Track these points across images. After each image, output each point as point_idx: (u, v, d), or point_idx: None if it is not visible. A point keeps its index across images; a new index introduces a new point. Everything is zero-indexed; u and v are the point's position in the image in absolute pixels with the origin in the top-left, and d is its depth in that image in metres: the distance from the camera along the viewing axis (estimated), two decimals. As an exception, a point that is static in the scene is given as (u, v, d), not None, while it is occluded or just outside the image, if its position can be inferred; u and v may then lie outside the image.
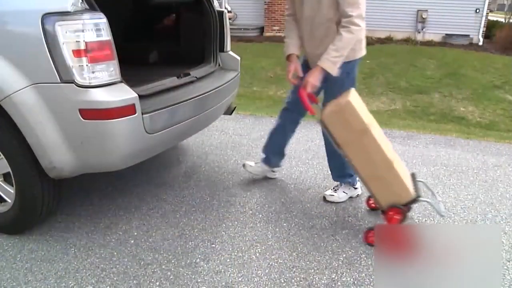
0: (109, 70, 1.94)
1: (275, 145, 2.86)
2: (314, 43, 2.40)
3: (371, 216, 2.58)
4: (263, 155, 2.94)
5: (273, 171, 3.01)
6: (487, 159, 3.57)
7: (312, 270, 2.09)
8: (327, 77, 2.37)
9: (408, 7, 10.68)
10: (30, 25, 1.86)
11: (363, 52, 2.45)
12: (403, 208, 2.22)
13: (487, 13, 10.53)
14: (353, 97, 2.25)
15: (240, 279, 2.02)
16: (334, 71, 2.28)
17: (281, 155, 2.92)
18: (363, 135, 2.19)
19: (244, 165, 2.99)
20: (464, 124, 5.55)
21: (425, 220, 2.56)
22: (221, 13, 2.98)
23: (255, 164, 2.97)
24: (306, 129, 3.99)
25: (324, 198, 2.73)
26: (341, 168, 2.67)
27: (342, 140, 2.26)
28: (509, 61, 8.42)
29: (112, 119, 1.93)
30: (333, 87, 2.43)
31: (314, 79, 2.32)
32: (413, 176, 2.45)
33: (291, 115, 2.72)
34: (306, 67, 2.52)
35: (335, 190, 2.75)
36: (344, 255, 2.21)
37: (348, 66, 2.39)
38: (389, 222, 2.23)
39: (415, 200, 2.24)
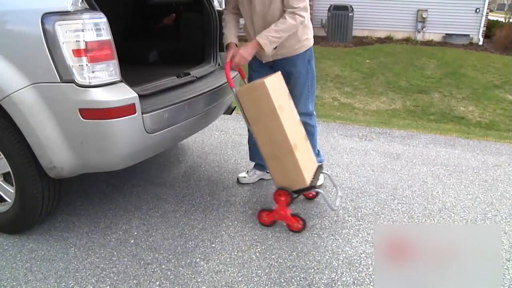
0: (109, 69, 1.94)
1: (258, 151, 2.86)
2: None
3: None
4: (253, 163, 2.99)
5: (268, 172, 3.01)
6: (487, 158, 3.57)
7: (312, 270, 2.10)
8: (291, 70, 2.51)
9: (408, 7, 10.67)
10: (30, 25, 1.85)
11: (312, 40, 2.60)
12: (292, 193, 2.35)
13: (487, 13, 10.52)
14: (272, 79, 2.35)
15: (240, 279, 2.02)
16: (268, 49, 2.35)
17: None
18: (271, 117, 2.27)
19: (238, 179, 2.98)
20: (464, 123, 5.56)
21: (425, 220, 2.56)
22: (221, 13, 2.98)
23: (247, 174, 2.98)
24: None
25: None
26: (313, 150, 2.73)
27: (252, 117, 2.35)
28: (509, 61, 8.42)
29: (112, 118, 1.93)
30: (299, 77, 2.54)
31: (245, 52, 2.38)
32: (319, 167, 2.59)
33: None
34: (259, 63, 2.64)
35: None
36: (344, 255, 2.21)
37: (307, 54, 2.54)
38: (276, 201, 2.38)
39: (308, 189, 2.36)
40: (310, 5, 11.17)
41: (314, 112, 2.77)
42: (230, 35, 2.59)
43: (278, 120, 2.26)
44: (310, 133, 2.74)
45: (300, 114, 2.62)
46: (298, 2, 2.29)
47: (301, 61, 2.54)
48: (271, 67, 2.62)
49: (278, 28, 2.30)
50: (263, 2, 2.36)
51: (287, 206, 2.37)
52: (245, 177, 2.96)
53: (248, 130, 2.83)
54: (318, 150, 2.89)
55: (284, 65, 2.56)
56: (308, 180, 2.35)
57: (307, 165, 2.41)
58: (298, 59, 2.52)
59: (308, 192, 2.63)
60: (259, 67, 2.63)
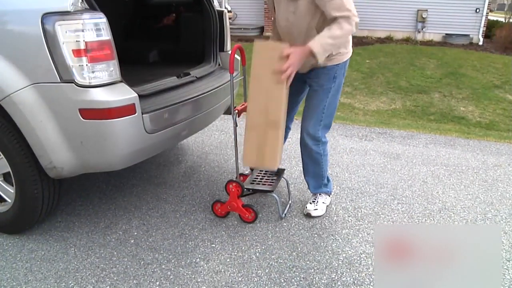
0: (109, 69, 1.94)
1: None
2: None
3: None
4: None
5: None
6: (487, 158, 3.57)
7: (312, 270, 2.10)
8: (312, 83, 2.32)
9: (408, 7, 10.67)
10: (30, 25, 1.85)
11: (349, 54, 2.32)
12: (243, 185, 2.42)
13: (487, 13, 10.52)
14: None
15: (240, 279, 2.02)
16: (322, 58, 2.05)
17: None
18: (278, 83, 2.09)
19: None
20: (464, 123, 5.55)
21: (425, 220, 2.56)
22: (221, 13, 2.98)
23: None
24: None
25: (309, 214, 2.55)
26: (318, 178, 2.57)
27: (256, 75, 2.14)
28: (509, 61, 8.42)
29: (112, 119, 1.93)
30: (318, 91, 2.32)
31: (296, 57, 2.05)
32: (281, 171, 2.68)
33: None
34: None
35: (316, 203, 2.59)
36: (344, 255, 2.21)
37: (336, 69, 2.27)
38: (228, 193, 2.45)
39: (263, 191, 2.48)
40: (310, 5, 11.20)
41: (326, 140, 2.45)
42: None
43: (282, 87, 2.09)
44: (315, 160, 2.47)
45: (306, 134, 2.40)
46: (342, 11, 1.99)
47: (326, 75, 2.28)
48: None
49: (334, 35, 1.99)
50: (286, 18, 2.16)
51: (238, 197, 2.45)
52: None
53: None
54: (328, 178, 2.63)
55: (310, 76, 2.34)
56: (278, 164, 2.27)
57: (281, 150, 2.31)
58: (323, 72, 2.27)
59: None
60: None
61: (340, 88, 2.38)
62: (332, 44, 2.03)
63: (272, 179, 2.58)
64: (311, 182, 2.60)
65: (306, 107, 2.42)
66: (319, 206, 2.58)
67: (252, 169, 2.81)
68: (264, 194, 2.72)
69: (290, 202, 2.71)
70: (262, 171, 2.72)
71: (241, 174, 2.78)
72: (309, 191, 2.70)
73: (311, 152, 2.45)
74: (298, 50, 2.06)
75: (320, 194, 2.64)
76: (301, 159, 2.54)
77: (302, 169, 2.62)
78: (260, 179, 2.61)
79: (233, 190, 2.44)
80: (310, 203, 2.60)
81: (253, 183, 2.55)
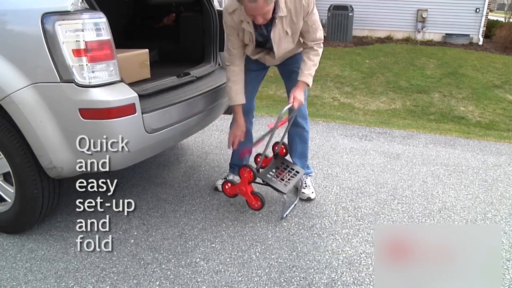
0: (109, 69, 1.94)
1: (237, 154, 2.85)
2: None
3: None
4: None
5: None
6: (487, 158, 3.57)
7: (312, 270, 2.10)
8: (293, 68, 2.51)
9: (408, 7, 10.67)
10: (30, 25, 1.85)
11: None
12: (256, 172, 2.41)
13: (487, 13, 10.52)
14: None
15: (240, 279, 2.02)
16: (311, 82, 2.45)
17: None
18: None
19: (216, 188, 2.89)
20: (464, 123, 5.56)
21: (425, 220, 2.56)
22: (221, 13, 2.98)
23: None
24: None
25: (309, 198, 2.73)
26: (303, 158, 2.76)
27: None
28: (509, 61, 8.42)
29: (112, 118, 1.93)
30: (293, 75, 2.52)
31: (301, 96, 2.40)
32: (299, 171, 2.67)
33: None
34: (259, 64, 2.58)
35: (309, 187, 2.77)
36: (344, 255, 2.21)
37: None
38: (240, 176, 2.46)
39: (276, 189, 2.47)
40: (310, 5, 11.18)
41: None
42: (239, 93, 2.42)
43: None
44: (304, 139, 2.72)
45: (299, 116, 2.61)
46: (321, 33, 2.42)
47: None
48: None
49: (315, 63, 2.42)
50: (285, 48, 2.39)
51: (249, 183, 2.43)
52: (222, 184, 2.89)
53: None
54: (308, 165, 2.85)
55: (286, 64, 2.57)
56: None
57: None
58: (299, 56, 2.50)
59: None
60: (257, 67, 2.60)
61: None
62: (315, 69, 2.44)
63: (288, 179, 2.53)
64: (298, 163, 2.76)
65: (289, 87, 2.57)
66: (312, 189, 2.78)
67: (276, 157, 2.74)
68: (274, 191, 2.68)
69: (296, 201, 2.71)
70: (283, 163, 2.68)
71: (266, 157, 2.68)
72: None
73: (302, 131, 2.69)
74: (298, 89, 2.40)
75: (306, 177, 2.79)
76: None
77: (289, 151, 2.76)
78: (277, 175, 2.56)
79: (245, 175, 2.42)
80: (304, 188, 2.75)
81: (269, 177, 2.52)
